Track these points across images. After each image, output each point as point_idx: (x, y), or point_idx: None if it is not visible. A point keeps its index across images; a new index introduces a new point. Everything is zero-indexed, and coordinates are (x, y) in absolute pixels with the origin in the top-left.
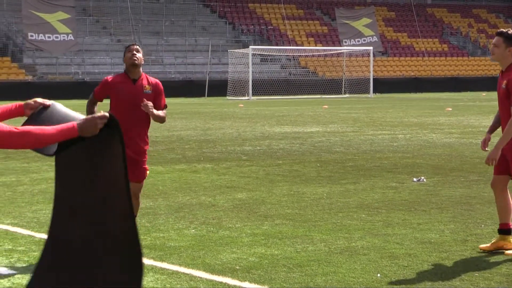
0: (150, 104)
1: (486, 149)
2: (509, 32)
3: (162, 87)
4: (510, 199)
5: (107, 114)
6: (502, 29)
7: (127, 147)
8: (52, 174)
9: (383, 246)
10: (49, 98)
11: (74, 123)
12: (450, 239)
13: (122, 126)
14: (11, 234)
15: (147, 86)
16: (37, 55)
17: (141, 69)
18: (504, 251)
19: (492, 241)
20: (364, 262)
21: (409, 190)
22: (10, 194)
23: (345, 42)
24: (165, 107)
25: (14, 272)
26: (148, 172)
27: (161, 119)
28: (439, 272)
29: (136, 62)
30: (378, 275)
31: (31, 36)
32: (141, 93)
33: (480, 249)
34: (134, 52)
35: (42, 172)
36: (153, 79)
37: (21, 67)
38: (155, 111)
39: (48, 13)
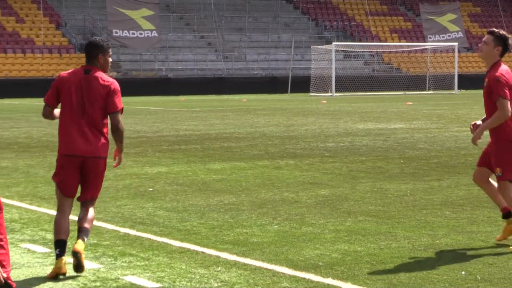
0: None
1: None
2: (500, 32)
3: None
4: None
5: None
6: (493, 29)
7: None
8: (136, 169)
9: (467, 243)
10: (133, 95)
11: None
12: None
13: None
14: (96, 229)
15: None
16: (121, 52)
17: None
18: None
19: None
20: (448, 260)
21: None
22: None
23: (430, 38)
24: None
25: (99, 266)
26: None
27: None
28: None
29: None
30: (463, 272)
31: (116, 32)
32: None
33: (497, 240)
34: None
35: (126, 167)
36: None
37: None
38: None
39: (132, 9)
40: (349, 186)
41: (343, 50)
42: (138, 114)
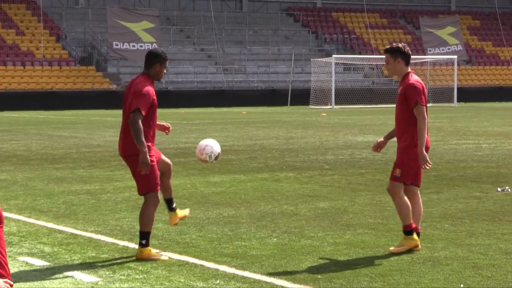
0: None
1: (379, 150)
2: (393, 46)
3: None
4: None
5: None
6: (387, 47)
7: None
8: (135, 182)
9: (466, 256)
10: None
11: None
12: None
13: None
14: (94, 242)
15: None
16: (121, 64)
17: None
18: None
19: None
20: (447, 273)
21: (493, 200)
22: (94, 202)
23: (430, 50)
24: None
25: (97, 279)
26: None
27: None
28: None
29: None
30: (461, 285)
31: (116, 45)
32: None
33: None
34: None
35: (126, 180)
36: None
37: (106, 76)
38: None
39: (132, 22)
40: (348, 198)
41: (343, 63)
42: None
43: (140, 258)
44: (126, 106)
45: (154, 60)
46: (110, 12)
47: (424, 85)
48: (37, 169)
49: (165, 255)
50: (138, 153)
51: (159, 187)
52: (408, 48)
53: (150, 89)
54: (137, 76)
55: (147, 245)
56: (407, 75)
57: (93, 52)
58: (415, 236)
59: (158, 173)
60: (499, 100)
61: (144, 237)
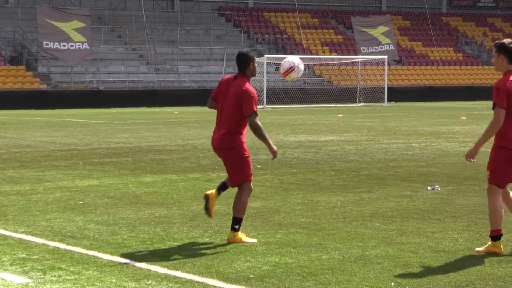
0: None
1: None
2: (498, 42)
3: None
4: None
5: None
6: (498, 40)
7: None
8: (66, 183)
9: (397, 254)
10: (64, 107)
11: None
12: (464, 247)
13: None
14: (25, 243)
15: None
16: (52, 64)
17: None
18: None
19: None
20: (378, 271)
21: (423, 199)
22: (24, 202)
23: (363, 49)
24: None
25: (27, 280)
26: None
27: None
28: (453, 281)
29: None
30: (392, 283)
31: (46, 44)
32: None
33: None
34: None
35: (56, 181)
36: None
37: (36, 76)
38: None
39: (63, 21)
40: (280, 198)
41: (274, 63)
42: (69, 126)
43: (233, 241)
44: (229, 104)
45: (249, 60)
46: (40, 11)
47: None
48: None
49: (254, 239)
50: (233, 147)
51: (252, 177)
52: None
53: (255, 91)
54: (234, 77)
55: (239, 229)
56: (507, 73)
57: (23, 52)
58: (499, 243)
59: (251, 165)
60: (429, 100)
61: (238, 222)
